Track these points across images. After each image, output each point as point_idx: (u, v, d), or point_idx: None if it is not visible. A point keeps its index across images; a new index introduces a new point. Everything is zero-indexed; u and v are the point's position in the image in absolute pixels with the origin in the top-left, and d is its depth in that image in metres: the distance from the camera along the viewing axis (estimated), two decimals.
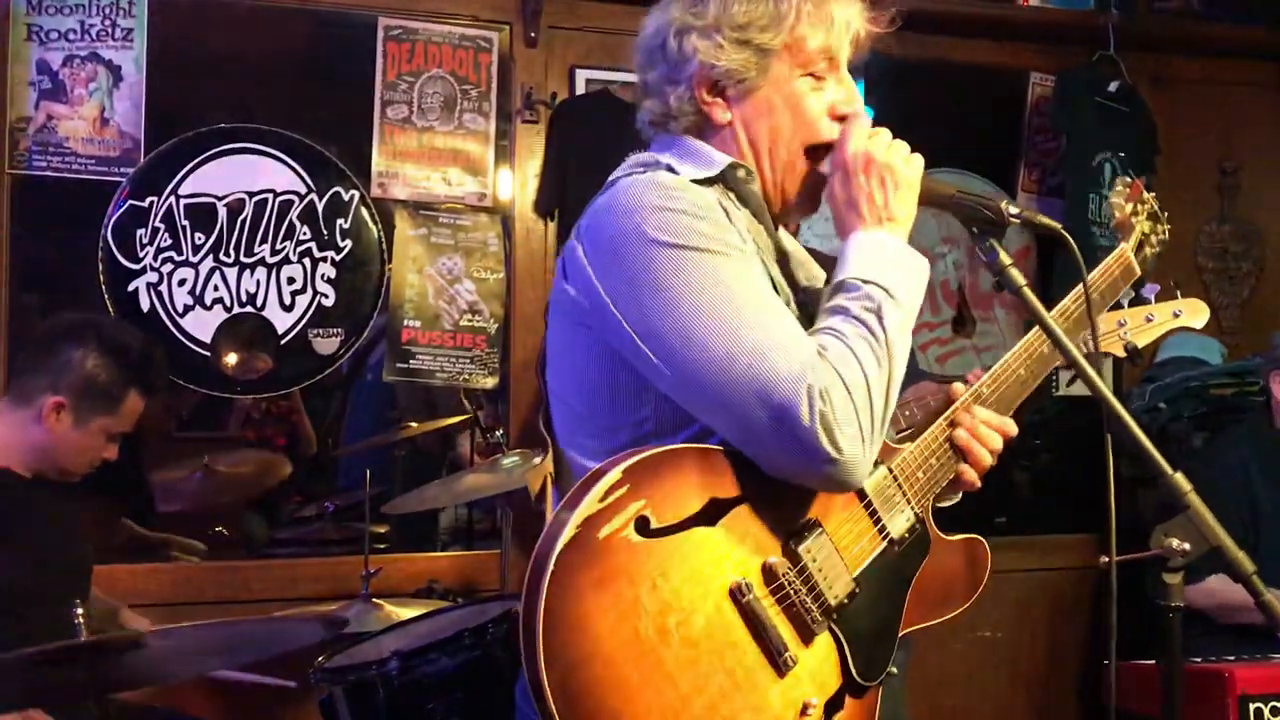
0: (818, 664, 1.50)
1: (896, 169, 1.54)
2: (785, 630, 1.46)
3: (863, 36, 1.63)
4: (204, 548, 3.73)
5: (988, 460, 1.68)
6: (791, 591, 1.46)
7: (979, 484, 1.71)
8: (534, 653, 1.29)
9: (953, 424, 1.68)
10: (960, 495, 1.77)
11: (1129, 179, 2.03)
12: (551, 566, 1.31)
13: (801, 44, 1.58)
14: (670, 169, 1.57)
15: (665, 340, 1.43)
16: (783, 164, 1.62)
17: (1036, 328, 1.74)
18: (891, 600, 1.62)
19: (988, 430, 1.67)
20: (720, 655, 1.40)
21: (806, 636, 1.49)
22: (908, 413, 1.90)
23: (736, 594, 1.42)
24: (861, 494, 1.57)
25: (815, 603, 1.49)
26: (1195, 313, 2.45)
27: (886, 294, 1.48)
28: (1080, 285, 1.76)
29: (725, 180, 1.59)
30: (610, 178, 1.61)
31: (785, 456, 1.40)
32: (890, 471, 1.61)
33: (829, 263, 1.76)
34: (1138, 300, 2.48)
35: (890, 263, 1.51)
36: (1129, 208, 1.99)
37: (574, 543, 1.33)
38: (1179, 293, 2.45)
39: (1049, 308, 1.71)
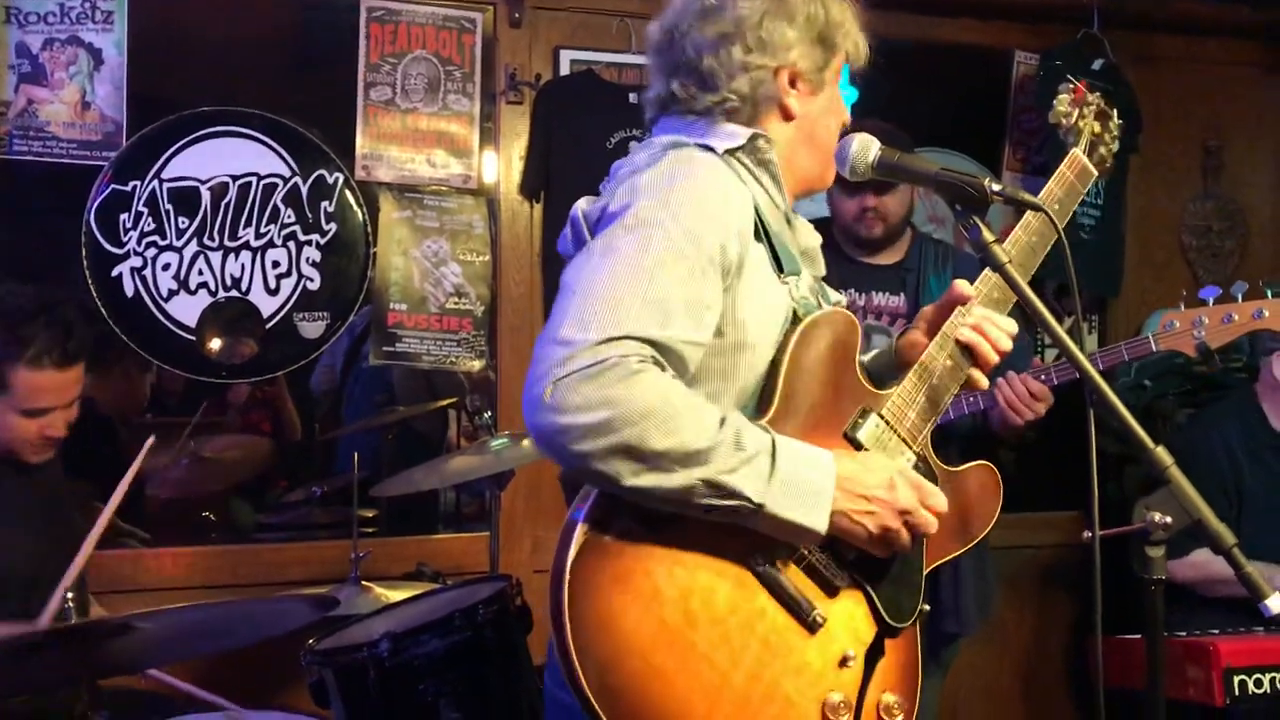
0: (849, 616, 1.55)
1: (898, 505, 1.51)
2: (808, 590, 1.50)
3: (855, 66, 1.75)
4: (146, 536, 3.61)
5: (993, 357, 1.68)
6: (807, 551, 1.50)
7: (986, 384, 1.71)
8: (567, 657, 1.34)
9: (942, 350, 1.68)
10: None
11: (1072, 83, 2.02)
12: (569, 572, 1.36)
13: (841, 50, 1.71)
14: (703, 146, 1.60)
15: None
16: (825, 154, 1.71)
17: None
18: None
19: (991, 325, 1.67)
20: (750, 626, 1.44)
21: (831, 592, 1.53)
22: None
23: (753, 564, 1.46)
24: (858, 445, 1.59)
25: (832, 558, 1.53)
26: None
27: (771, 469, 1.39)
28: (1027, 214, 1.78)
29: (746, 149, 1.64)
30: (642, 148, 1.64)
31: (526, 387, 1.37)
32: (882, 418, 1.63)
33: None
34: (1224, 298, 2.47)
35: (801, 482, 1.43)
36: (1074, 113, 1.99)
37: (586, 546, 1.37)
38: (1269, 292, 2.43)
39: (1029, 280, 1.73)
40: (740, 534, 1.44)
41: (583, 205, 1.61)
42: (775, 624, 1.46)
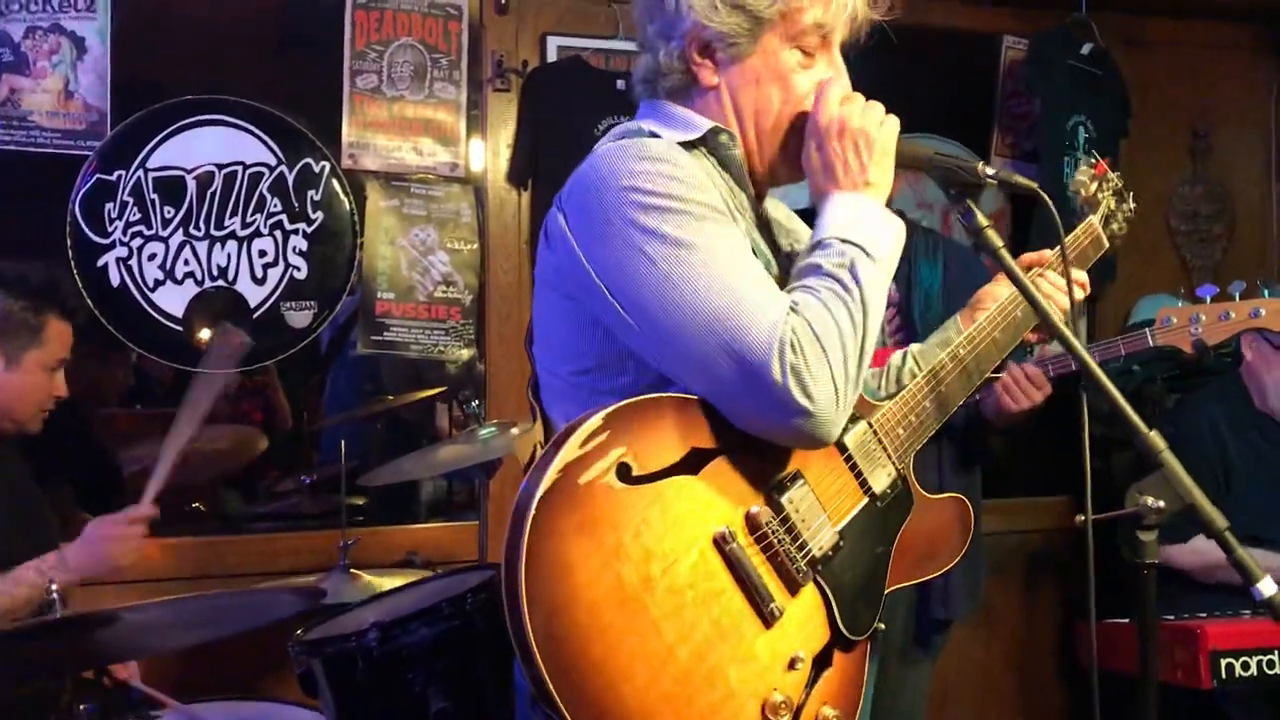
0: (805, 617, 1.51)
1: (872, 134, 1.55)
2: (770, 580, 1.46)
3: (860, 19, 1.62)
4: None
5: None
6: (775, 540, 1.47)
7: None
8: (516, 598, 1.28)
9: (937, 378, 1.70)
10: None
11: (1093, 159, 2.07)
12: (533, 511, 1.30)
13: (797, 16, 1.57)
14: (653, 134, 1.57)
15: (640, 301, 1.43)
16: (768, 134, 1.61)
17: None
18: (876, 556, 1.63)
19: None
20: (705, 604, 1.40)
21: (792, 587, 1.49)
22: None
23: (720, 542, 1.42)
24: (843, 448, 1.58)
25: (800, 553, 1.50)
26: (1279, 314, 2.44)
27: (862, 251, 1.48)
28: (1057, 247, 1.76)
29: (707, 144, 1.60)
30: (595, 147, 1.60)
31: (759, 412, 1.41)
32: (871, 427, 1.62)
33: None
34: (1221, 296, 2.50)
35: (866, 222, 1.52)
36: (1094, 186, 2.03)
37: (555, 488, 1.32)
38: (1266, 292, 2.46)
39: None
40: (715, 507, 1.43)
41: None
42: (731, 608, 1.42)
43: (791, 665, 1.48)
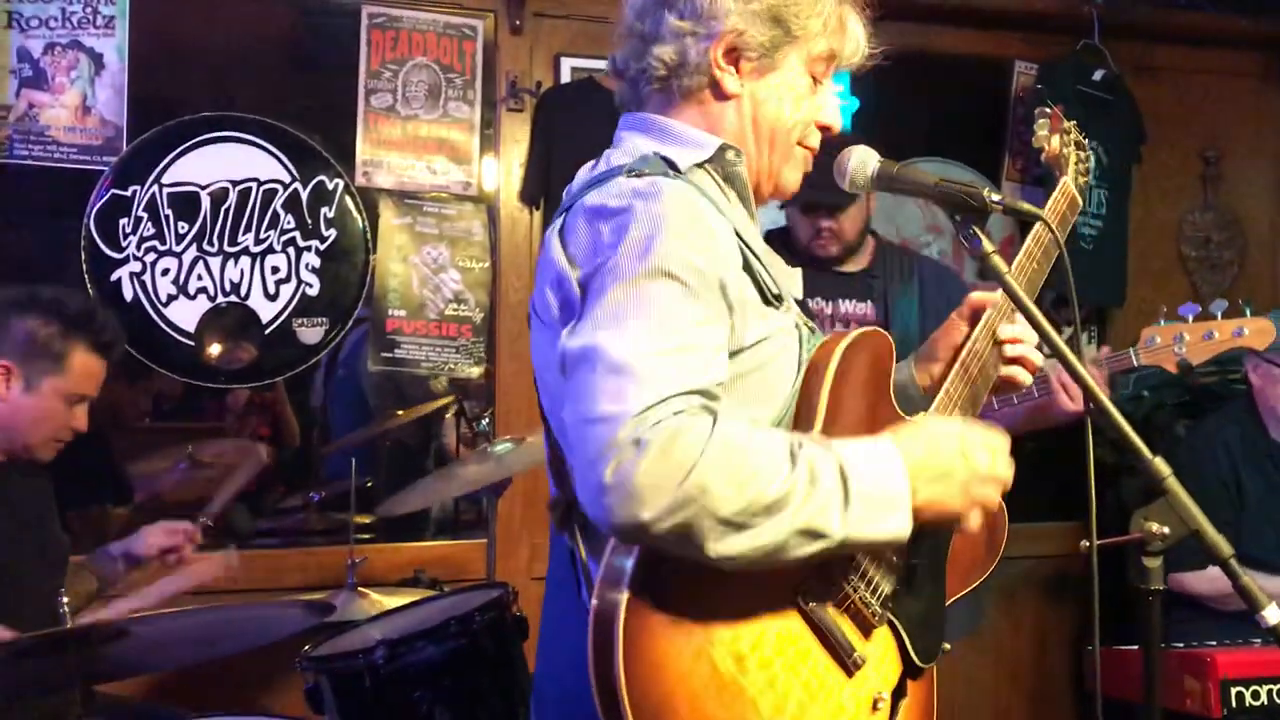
0: (881, 656, 1.51)
1: (985, 497, 1.44)
2: (849, 630, 1.46)
3: (859, 59, 1.64)
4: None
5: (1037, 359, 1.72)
6: (850, 590, 1.46)
7: (1029, 380, 1.73)
8: (617, 704, 1.26)
9: (963, 380, 1.66)
10: None
11: (1048, 107, 2.02)
12: (623, 613, 1.28)
13: (817, 42, 1.57)
14: (667, 160, 1.50)
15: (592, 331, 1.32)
16: (779, 151, 1.59)
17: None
18: (935, 578, 1.62)
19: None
20: (794, 670, 1.39)
21: (867, 631, 1.49)
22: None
23: (801, 603, 1.41)
24: None
25: (874, 595, 1.49)
26: (1261, 332, 2.44)
27: (855, 497, 1.30)
28: (1036, 227, 1.77)
29: (713, 161, 1.55)
30: (601, 172, 1.51)
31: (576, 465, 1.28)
32: None
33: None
34: (1204, 315, 2.50)
35: (888, 496, 1.34)
36: (1056, 140, 1.99)
37: (639, 589, 1.29)
38: (1248, 311, 2.46)
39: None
40: (788, 571, 1.37)
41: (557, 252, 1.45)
42: (817, 666, 1.42)
43: (874, 706, 1.49)
